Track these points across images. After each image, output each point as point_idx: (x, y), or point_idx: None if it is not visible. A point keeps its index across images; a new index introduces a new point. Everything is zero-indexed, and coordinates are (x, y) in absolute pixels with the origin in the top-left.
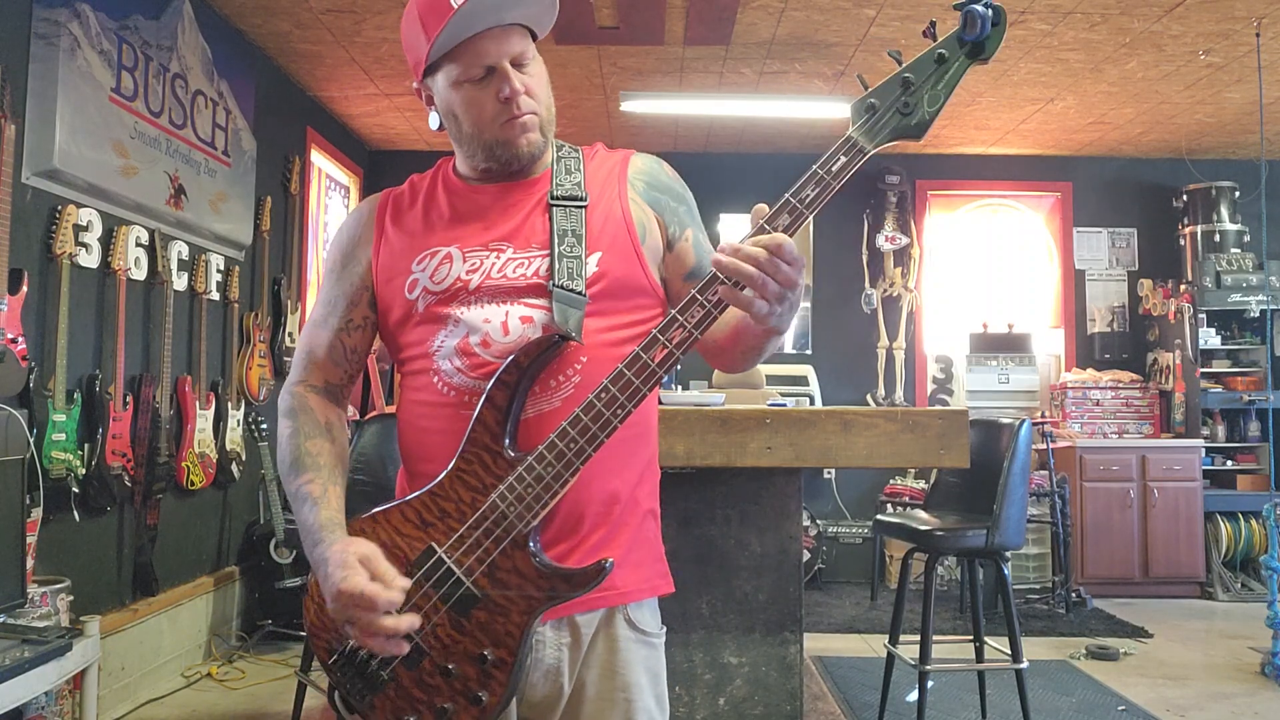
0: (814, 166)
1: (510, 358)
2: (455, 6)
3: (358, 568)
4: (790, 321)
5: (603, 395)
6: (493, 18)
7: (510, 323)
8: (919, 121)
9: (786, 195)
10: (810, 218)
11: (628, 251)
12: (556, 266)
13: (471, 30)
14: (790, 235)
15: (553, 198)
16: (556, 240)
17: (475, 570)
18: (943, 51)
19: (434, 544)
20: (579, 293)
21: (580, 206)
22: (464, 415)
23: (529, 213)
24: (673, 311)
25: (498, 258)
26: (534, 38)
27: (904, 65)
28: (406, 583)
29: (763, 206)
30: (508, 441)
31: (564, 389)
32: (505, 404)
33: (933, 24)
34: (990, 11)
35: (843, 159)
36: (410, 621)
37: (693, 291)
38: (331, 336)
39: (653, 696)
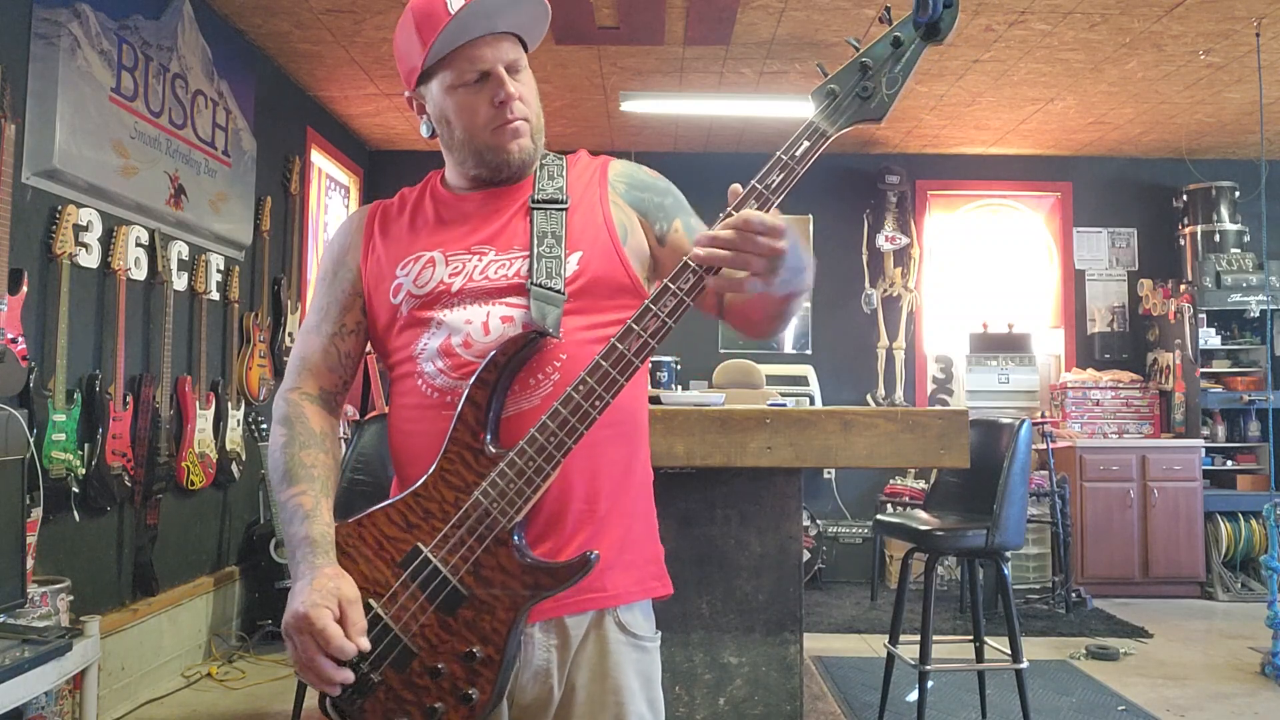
0: (778, 152)
1: (489, 356)
2: (452, 13)
3: (333, 607)
4: (803, 279)
5: (580, 388)
6: (486, 24)
7: (491, 322)
8: (878, 104)
9: (753, 182)
10: (776, 203)
11: (608, 251)
12: (535, 266)
13: (466, 36)
14: None
15: (534, 201)
16: (536, 241)
17: (461, 568)
18: (898, 35)
19: (420, 544)
20: (556, 290)
21: (561, 209)
22: (446, 416)
23: (511, 216)
24: (646, 301)
25: (480, 260)
26: (525, 49)
27: (861, 50)
28: (366, 645)
29: (736, 186)
30: (489, 439)
31: (544, 386)
32: (485, 402)
33: (887, 9)
34: None
35: (806, 144)
36: (345, 676)
37: (665, 281)
38: (325, 342)
39: (644, 700)
